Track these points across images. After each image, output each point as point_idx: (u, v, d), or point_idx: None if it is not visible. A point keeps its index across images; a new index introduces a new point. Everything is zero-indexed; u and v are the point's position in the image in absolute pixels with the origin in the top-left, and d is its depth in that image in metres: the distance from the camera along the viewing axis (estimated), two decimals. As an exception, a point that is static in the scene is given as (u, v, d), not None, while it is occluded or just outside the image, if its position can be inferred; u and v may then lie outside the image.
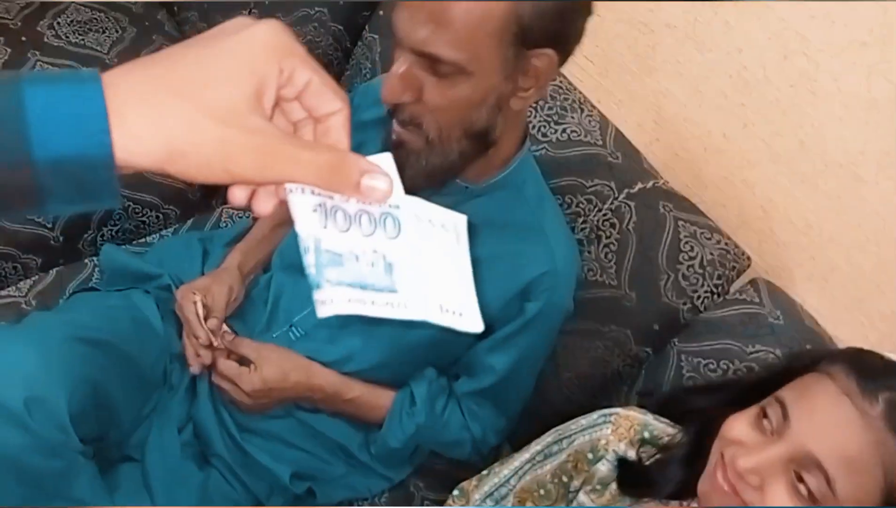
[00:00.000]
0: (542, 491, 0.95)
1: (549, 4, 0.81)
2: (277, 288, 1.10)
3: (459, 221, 0.48)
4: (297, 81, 0.44)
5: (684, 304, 1.07)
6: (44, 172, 0.38)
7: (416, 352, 1.07)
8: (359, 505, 1.16)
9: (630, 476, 0.87)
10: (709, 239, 1.08)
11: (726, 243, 1.08)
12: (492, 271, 1.00)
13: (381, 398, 1.08)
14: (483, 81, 0.84)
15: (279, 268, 1.11)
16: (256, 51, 0.42)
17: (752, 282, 1.08)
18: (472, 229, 0.47)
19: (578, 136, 1.18)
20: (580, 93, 1.23)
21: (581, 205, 1.16)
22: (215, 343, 1.01)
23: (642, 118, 1.29)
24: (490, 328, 1.03)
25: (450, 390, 1.11)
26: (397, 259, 0.45)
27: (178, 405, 1.06)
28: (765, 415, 0.75)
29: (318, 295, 0.43)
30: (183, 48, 0.42)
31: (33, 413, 0.82)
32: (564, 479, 0.94)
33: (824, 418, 0.72)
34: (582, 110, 1.20)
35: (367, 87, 1.14)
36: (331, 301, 0.43)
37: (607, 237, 1.14)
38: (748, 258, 1.10)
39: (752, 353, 1.01)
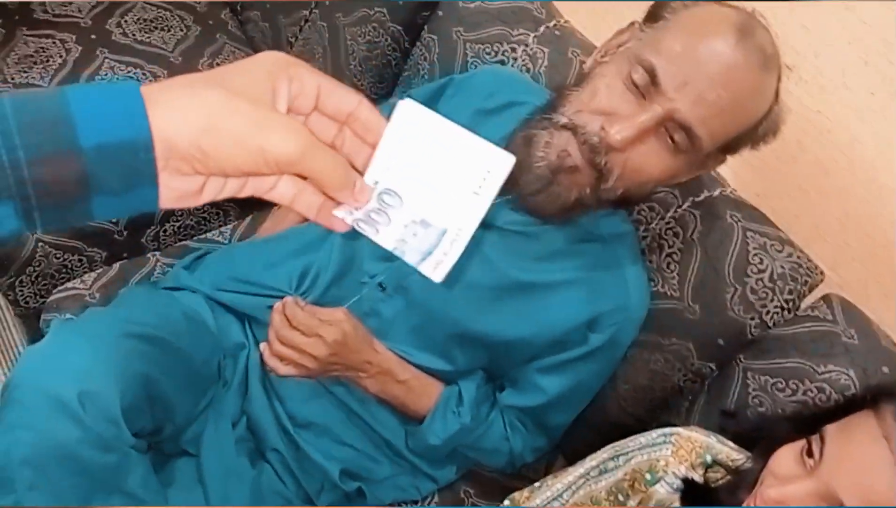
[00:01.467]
0: None
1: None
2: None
3: (502, 160, 0.48)
4: (308, 88, 0.47)
5: (752, 319, 1.02)
6: (92, 160, 0.41)
7: (469, 354, 1.05)
8: (408, 506, 1.15)
9: (695, 497, 0.84)
10: (779, 251, 1.03)
11: (798, 256, 1.03)
12: (565, 295, 0.99)
13: (430, 388, 1.07)
14: (693, 162, 0.89)
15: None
16: (266, 62, 0.47)
17: (826, 298, 1.02)
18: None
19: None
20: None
21: (643, 212, 1.12)
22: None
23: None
24: (550, 349, 1.01)
25: (494, 398, 1.09)
26: (422, 212, 0.50)
27: (232, 400, 1.07)
28: (809, 449, 0.73)
29: (422, 269, 0.51)
30: (204, 72, 0.46)
31: (87, 407, 0.83)
32: (620, 498, 0.91)
33: (857, 459, 0.70)
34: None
35: (471, 78, 1.14)
36: (432, 268, 0.51)
37: (670, 247, 1.10)
38: (821, 273, 1.04)
39: (823, 373, 0.96)
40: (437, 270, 0.50)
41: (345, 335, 0.98)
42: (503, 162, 0.48)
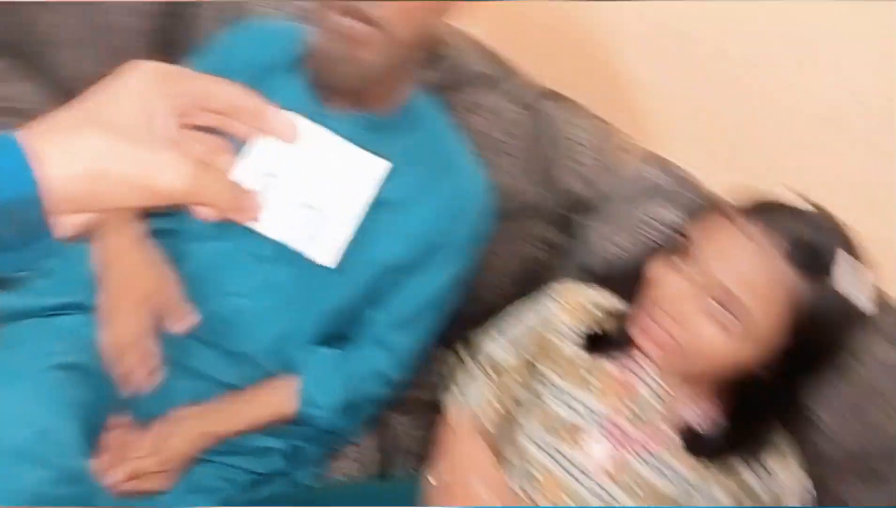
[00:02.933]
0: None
1: None
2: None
3: (376, 166, 0.50)
4: (188, 94, 0.48)
5: (583, 185, 1.21)
6: None
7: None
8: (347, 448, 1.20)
9: (595, 344, 1.00)
10: (592, 127, 1.22)
11: (607, 127, 1.23)
12: (414, 207, 1.06)
13: (279, 392, 1.08)
14: None
15: None
16: (135, 85, 0.46)
17: (644, 157, 1.22)
18: (395, 169, 0.52)
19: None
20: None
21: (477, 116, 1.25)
22: None
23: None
24: (417, 262, 1.09)
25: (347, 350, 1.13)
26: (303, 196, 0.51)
27: (153, 401, 1.07)
28: (679, 255, 0.86)
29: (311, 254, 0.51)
30: (81, 97, 0.46)
31: (45, 446, 0.82)
32: (523, 354, 1.07)
33: (730, 252, 0.83)
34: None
35: (244, 31, 1.14)
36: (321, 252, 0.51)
37: (503, 142, 1.24)
38: (630, 138, 1.25)
39: (660, 221, 1.17)
40: (327, 253, 0.51)
41: (174, 449, 1.01)
42: (377, 168, 0.50)
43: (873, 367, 1.07)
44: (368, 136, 1.02)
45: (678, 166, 1.20)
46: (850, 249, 0.84)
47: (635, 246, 1.17)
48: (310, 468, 1.15)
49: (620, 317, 0.99)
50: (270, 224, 0.50)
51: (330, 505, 1.06)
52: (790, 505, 0.98)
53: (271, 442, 1.11)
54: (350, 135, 0.52)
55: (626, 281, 1.01)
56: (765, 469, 0.96)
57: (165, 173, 0.44)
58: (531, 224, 1.25)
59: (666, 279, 0.87)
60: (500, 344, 1.10)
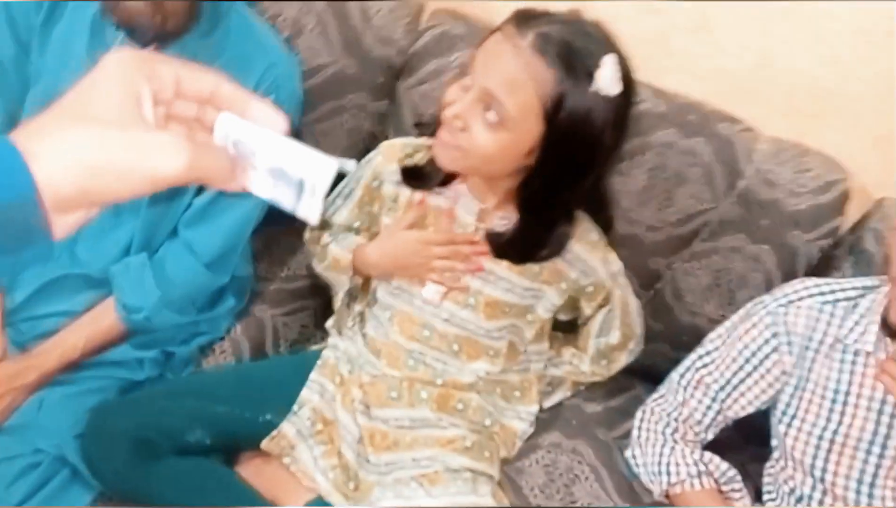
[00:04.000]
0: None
1: None
2: None
3: (326, 166, 0.48)
4: (166, 79, 0.47)
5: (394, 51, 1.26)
6: None
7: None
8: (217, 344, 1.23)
9: (412, 174, 1.08)
10: None
11: None
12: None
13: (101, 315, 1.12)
14: None
15: None
16: (116, 72, 0.45)
17: (437, 13, 1.28)
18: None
19: None
20: None
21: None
22: None
23: None
24: None
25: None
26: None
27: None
28: (464, 76, 0.94)
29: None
30: (65, 94, 0.45)
31: None
32: (370, 209, 1.14)
33: (490, 57, 0.91)
34: None
35: None
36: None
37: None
38: None
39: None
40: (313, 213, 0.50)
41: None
42: (328, 169, 0.49)
43: (662, 151, 1.18)
44: (177, 50, 1.05)
45: (469, 16, 1.27)
46: (616, 54, 0.91)
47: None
48: (183, 367, 1.20)
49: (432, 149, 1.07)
50: (259, 186, 0.50)
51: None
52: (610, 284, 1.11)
53: (141, 353, 1.15)
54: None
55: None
56: (581, 260, 1.08)
57: (164, 155, 0.43)
58: (354, 98, 1.29)
59: (451, 98, 0.94)
60: (344, 208, 1.16)
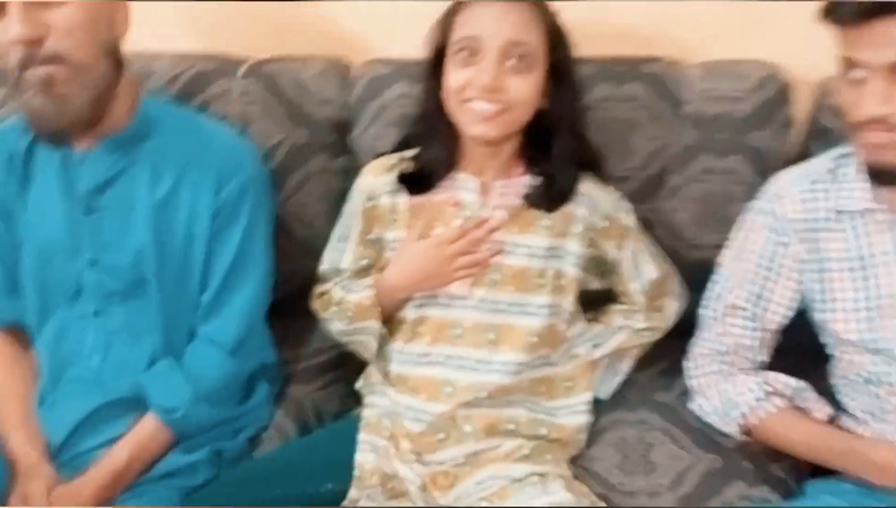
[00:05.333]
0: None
1: None
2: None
3: None
4: None
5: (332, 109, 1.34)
6: None
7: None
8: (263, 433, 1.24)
9: (409, 180, 1.13)
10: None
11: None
12: (181, 194, 1.13)
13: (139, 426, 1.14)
14: None
15: None
16: None
17: (366, 64, 1.36)
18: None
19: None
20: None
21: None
22: None
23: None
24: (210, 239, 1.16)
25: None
26: None
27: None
28: (463, 56, 1.04)
29: None
30: None
31: None
32: (370, 239, 1.18)
33: (488, 18, 1.02)
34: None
35: None
36: None
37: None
38: None
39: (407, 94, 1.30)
40: None
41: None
42: None
43: (605, 105, 1.24)
44: (120, 156, 1.13)
45: (392, 58, 1.35)
46: None
47: (402, 124, 1.27)
48: (236, 463, 1.20)
49: (418, 154, 1.14)
50: None
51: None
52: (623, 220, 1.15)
53: (193, 457, 1.17)
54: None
55: (419, 131, 1.16)
56: (584, 194, 1.12)
57: None
58: (315, 163, 1.35)
59: (462, 80, 1.03)
60: (347, 250, 1.20)
